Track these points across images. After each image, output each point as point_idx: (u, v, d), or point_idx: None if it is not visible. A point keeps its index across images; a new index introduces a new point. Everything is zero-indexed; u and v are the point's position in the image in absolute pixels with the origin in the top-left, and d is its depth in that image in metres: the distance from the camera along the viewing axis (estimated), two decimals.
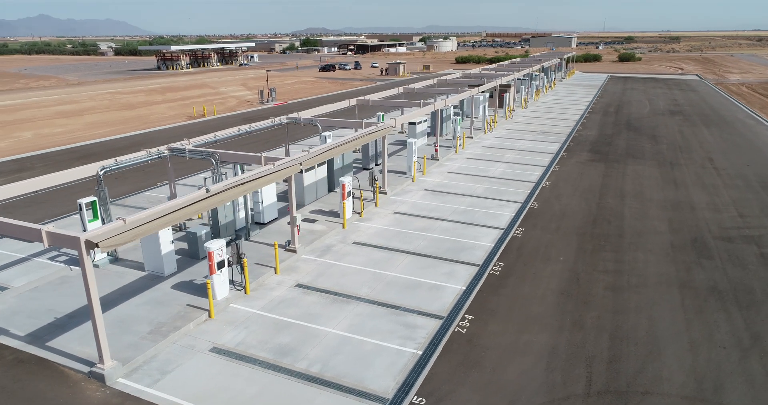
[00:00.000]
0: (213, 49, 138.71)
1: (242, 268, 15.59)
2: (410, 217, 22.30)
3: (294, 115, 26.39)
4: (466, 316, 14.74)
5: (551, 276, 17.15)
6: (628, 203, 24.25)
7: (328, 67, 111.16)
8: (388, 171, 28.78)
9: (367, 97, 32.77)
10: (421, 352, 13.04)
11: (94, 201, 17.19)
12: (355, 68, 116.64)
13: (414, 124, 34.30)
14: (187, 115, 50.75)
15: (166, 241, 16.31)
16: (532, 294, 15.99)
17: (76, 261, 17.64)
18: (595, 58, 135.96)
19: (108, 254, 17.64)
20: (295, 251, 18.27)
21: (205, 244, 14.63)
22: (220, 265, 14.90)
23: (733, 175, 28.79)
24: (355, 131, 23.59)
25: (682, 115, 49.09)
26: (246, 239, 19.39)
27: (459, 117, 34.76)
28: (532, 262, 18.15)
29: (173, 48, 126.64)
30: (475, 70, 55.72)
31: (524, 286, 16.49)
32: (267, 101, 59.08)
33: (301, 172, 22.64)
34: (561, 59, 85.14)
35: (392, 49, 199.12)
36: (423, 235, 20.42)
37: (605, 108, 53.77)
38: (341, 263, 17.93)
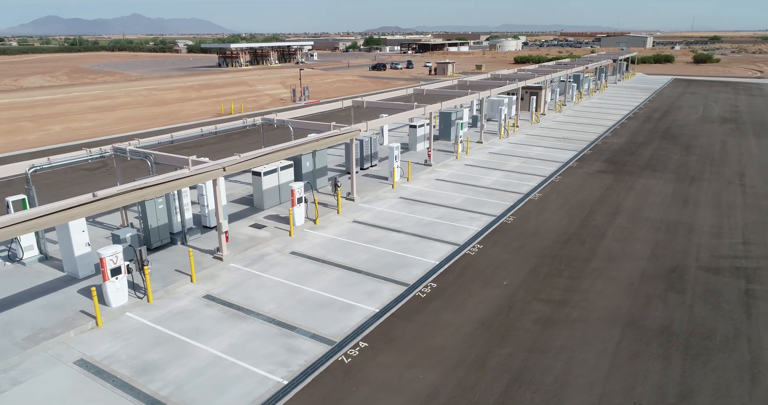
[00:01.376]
0: (272, 47, 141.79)
1: (145, 275, 15.05)
2: (367, 228, 21.06)
3: (272, 115, 25.77)
4: (361, 343, 13.42)
5: (482, 303, 15.43)
6: (617, 222, 21.79)
7: (378, 66, 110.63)
8: (371, 176, 27.65)
9: (364, 97, 31.67)
10: (286, 382, 11.90)
11: (24, 199, 17.27)
12: (407, 67, 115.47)
13: (414, 127, 32.92)
14: (215, 112, 51.70)
15: (81, 243, 16.07)
16: (448, 322, 14.40)
17: (11, 257, 17.82)
18: (667, 59, 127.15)
19: (40, 252, 17.71)
20: (221, 259, 17.58)
21: (98, 251, 14.20)
22: (115, 271, 14.42)
23: (760, 195, 25.34)
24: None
25: (735, 124, 44.38)
26: (182, 244, 18.93)
27: (462, 121, 32.89)
28: (469, 286, 16.46)
29: (233, 46, 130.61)
30: (508, 70, 53.11)
31: (445, 312, 14.91)
32: (299, 99, 59.23)
33: (258, 175, 22.09)
34: (617, 60, 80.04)
35: (453, 48, 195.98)
36: (369, 247, 19.15)
37: (650, 113, 49.67)
38: (265, 274, 17.04)
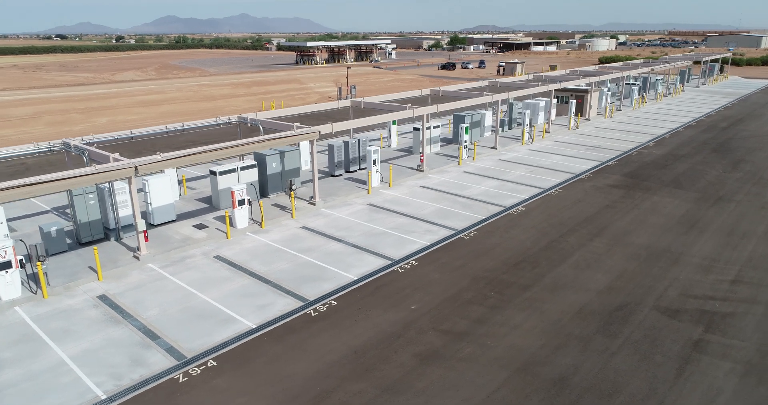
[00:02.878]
0: (349, 45, 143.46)
1: (41, 270, 15.11)
2: (311, 235, 20.06)
3: (252, 114, 25.44)
4: (211, 362, 12.51)
5: (372, 328, 13.93)
6: (591, 245, 19.15)
7: (447, 66, 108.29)
8: (354, 180, 26.55)
9: (366, 99, 30.56)
10: (104, 397, 11.28)
11: None
12: (479, 67, 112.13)
13: (418, 129, 31.32)
14: (257, 109, 52.75)
15: None
16: (319, 347, 13.09)
17: None
18: None
19: None
20: (138, 258, 17.37)
21: None
22: (5, 265, 14.57)
23: None
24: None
25: None
26: (116, 240, 19.01)
27: (467, 124, 30.78)
28: (372, 307, 15.00)
29: (309, 44, 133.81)
30: (557, 72, 49.48)
31: (323, 335, 13.61)
32: (345, 98, 59.09)
33: (215, 174, 21.79)
34: (704, 61, 72.40)
35: (539, 48, 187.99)
36: (297, 256, 18.15)
37: (717, 122, 44.14)
38: (172, 277, 16.60)
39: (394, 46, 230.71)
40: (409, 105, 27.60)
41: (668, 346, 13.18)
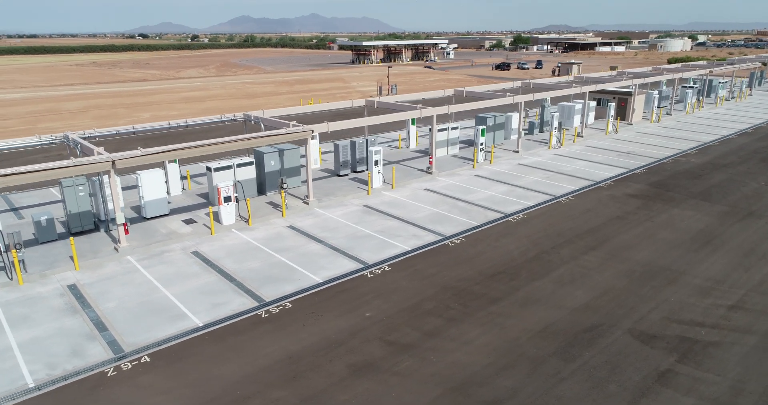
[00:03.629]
0: (405, 45, 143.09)
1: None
2: (294, 234, 19.86)
3: (258, 112, 25.61)
4: (146, 358, 12.51)
5: (317, 333, 13.52)
6: (582, 259, 17.83)
7: (502, 66, 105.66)
8: (358, 180, 26.18)
9: (380, 98, 30.09)
10: (32, 385, 11.52)
11: None
12: (536, 67, 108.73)
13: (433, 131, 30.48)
14: (295, 106, 53.42)
15: None
16: (256, 351, 12.81)
17: None
18: None
19: None
20: (117, 251, 17.79)
21: None
22: None
23: None
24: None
25: None
26: (105, 231, 19.58)
27: (483, 127, 29.62)
28: (325, 312, 14.57)
29: (365, 43, 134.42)
30: (599, 73, 46.94)
31: (265, 338, 13.32)
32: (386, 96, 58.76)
33: (210, 171, 22.06)
34: None
35: (606, 48, 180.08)
36: (272, 256, 17.99)
37: None
38: (144, 271, 16.83)
39: (455, 45, 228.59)
40: (420, 105, 26.91)
41: (629, 374, 11.96)
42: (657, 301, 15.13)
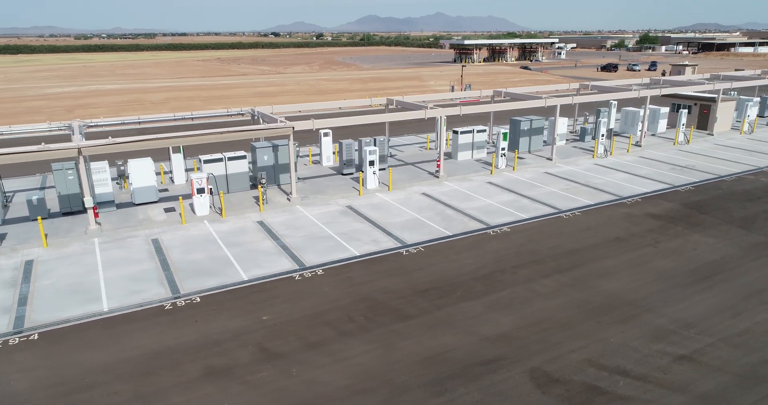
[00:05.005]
0: (510, 44, 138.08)
1: None
2: (258, 230, 19.82)
3: (267, 107, 25.97)
4: None
5: (197, 332, 13.30)
6: (540, 283, 15.81)
7: (609, 67, 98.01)
8: (356, 179, 25.59)
9: (399, 98, 29.16)
10: None
11: None
12: (649, 69, 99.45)
13: (457, 132, 28.99)
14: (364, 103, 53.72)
15: None
16: (114, 347, 12.91)
17: None
18: None
19: None
20: (86, 233, 18.93)
21: None
22: None
23: None
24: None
25: None
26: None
27: (505, 131, 27.38)
28: (224, 311, 14.32)
29: (467, 42, 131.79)
30: (685, 76, 41.58)
31: (136, 334, 13.38)
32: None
33: (200, 162, 22.76)
34: None
35: (747, 49, 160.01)
36: (222, 249, 18.08)
37: None
38: (99, 254, 17.70)
39: (574, 45, 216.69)
40: (431, 105, 25.64)
41: None
42: (591, 340, 12.98)
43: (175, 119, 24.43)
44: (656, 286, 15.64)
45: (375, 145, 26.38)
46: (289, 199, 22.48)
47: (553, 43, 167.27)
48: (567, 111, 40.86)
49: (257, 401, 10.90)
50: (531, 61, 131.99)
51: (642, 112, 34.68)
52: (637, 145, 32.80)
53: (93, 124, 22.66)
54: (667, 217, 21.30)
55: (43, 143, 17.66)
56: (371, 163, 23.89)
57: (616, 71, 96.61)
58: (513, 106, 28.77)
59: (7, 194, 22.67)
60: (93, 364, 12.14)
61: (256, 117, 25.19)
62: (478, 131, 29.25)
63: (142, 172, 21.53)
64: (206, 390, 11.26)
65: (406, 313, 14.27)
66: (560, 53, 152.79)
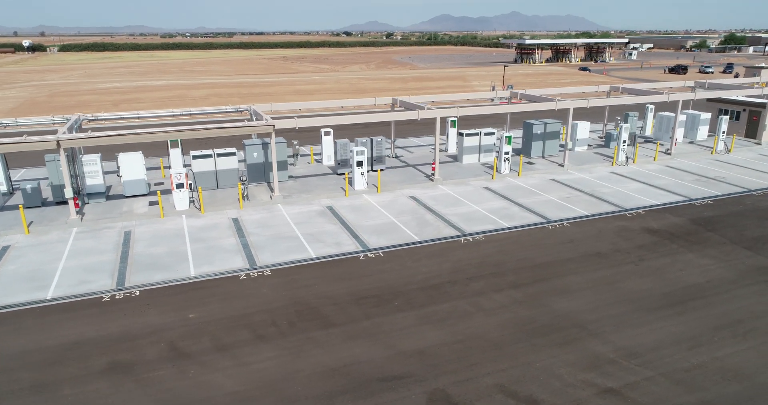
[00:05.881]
0: (575, 44, 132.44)
1: None
2: (229, 227, 19.87)
3: (267, 105, 26.11)
4: None
5: (122, 326, 13.42)
6: (488, 297, 14.81)
7: (677, 69, 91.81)
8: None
9: (402, 98, 28.45)
10: None
11: None
12: (724, 72, 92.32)
13: (462, 135, 27.96)
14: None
15: None
16: (26, 338, 13.22)
17: None
18: None
19: None
20: (66, 223, 19.70)
21: None
22: None
23: None
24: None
25: None
26: (85, 203, 21.82)
27: (510, 134, 25.98)
28: (157, 306, 14.38)
29: (528, 42, 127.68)
30: (731, 79, 37.95)
31: (73, 322, 13.64)
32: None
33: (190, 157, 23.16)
34: None
35: None
36: (185, 245, 18.27)
37: None
38: (71, 243, 18.36)
39: (650, 45, 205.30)
40: (428, 106, 24.81)
41: None
42: (514, 364, 11.95)
43: (173, 115, 25.08)
44: (616, 309, 14.24)
45: (372, 145, 25.92)
46: (271, 198, 22.46)
47: (626, 43, 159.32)
48: (597, 115, 38.59)
49: (139, 401, 10.82)
50: (596, 61, 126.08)
51: (680, 117, 32.11)
52: (667, 152, 30.33)
53: (93, 118, 23.68)
54: (666, 232, 19.45)
55: (25, 135, 18.58)
56: (359, 163, 23.45)
57: (685, 73, 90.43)
58: (523, 107, 27.39)
59: (15, 183, 24.10)
60: (12, 350, 12.53)
61: (251, 114, 25.40)
62: (486, 134, 28.05)
63: (132, 166, 22.22)
64: (99, 385, 11.32)
65: (333, 320, 13.78)
66: (631, 54, 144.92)
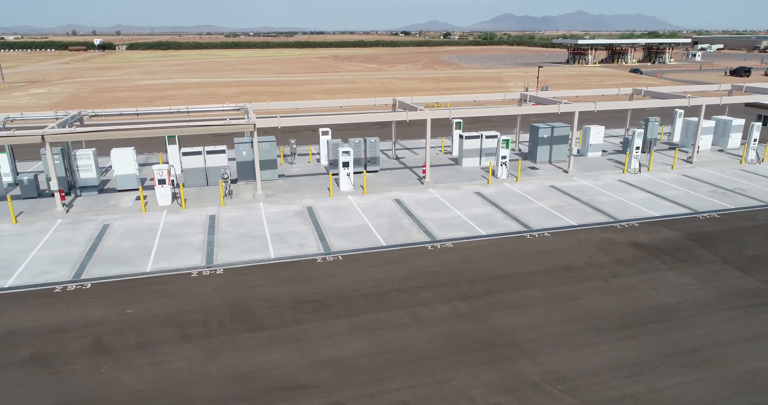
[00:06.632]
0: (633, 44, 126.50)
1: None
2: (203, 224, 20.05)
3: (264, 104, 26.23)
4: None
5: (56, 318, 13.71)
6: (432, 308, 14.17)
7: (740, 71, 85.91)
8: (338, 180, 24.99)
9: (402, 98, 27.87)
10: None
11: None
12: None
13: (462, 137, 27.13)
14: (425, 103, 52.53)
15: None
16: None
17: None
18: None
19: None
20: (52, 214, 20.46)
21: None
22: None
23: None
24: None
25: None
26: (76, 196, 22.64)
27: (507, 138, 24.87)
28: (100, 300, 14.63)
29: (580, 42, 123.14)
30: None
31: (2, 313, 14.07)
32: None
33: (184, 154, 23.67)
34: None
35: None
36: (154, 240, 18.57)
37: None
38: (48, 233, 19.07)
39: (720, 46, 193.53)
40: (421, 107, 24.19)
41: None
42: (429, 381, 11.32)
43: (170, 112, 25.64)
44: (563, 328, 13.28)
45: (365, 145, 25.56)
46: (254, 196, 22.54)
47: (694, 43, 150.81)
48: (620, 120, 36.58)
49: (44, 393, 10.99)
50: (653, 63, 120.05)
51: (701, 122, 29.95)
52: (688, 161, 28.30)
53: (94, 114, 24.56)
54: (653, 247, 18.06)
55: (13, 130, 19.45)
56: (345, 164, 23.16)
57: (748, 75, 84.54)
58: (526, 110, 26.28)
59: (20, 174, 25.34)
60: None
61: (246, 112, 25.59)
62: (487, 137, 27.08)
63: (123, 161, 22.87)
64: (13, 375, 11.58)
65: (263, 324, 13.57)
66: (695, 55, 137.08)
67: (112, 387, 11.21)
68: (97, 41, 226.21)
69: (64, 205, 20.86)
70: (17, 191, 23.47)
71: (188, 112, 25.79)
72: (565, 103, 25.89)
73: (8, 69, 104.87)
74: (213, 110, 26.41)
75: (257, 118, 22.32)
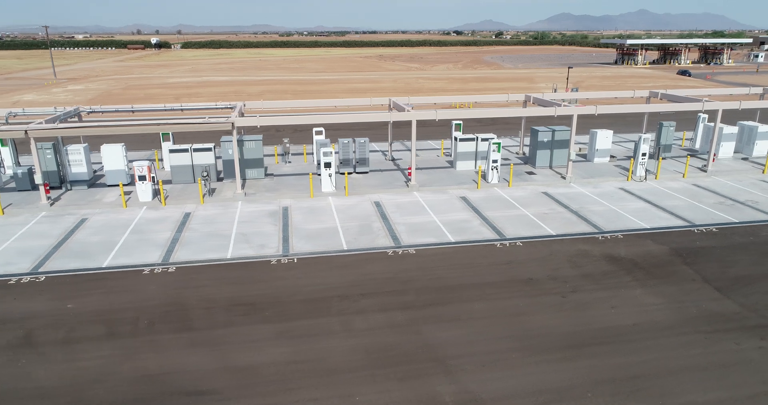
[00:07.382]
0: (686, 44, 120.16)
1: None
2: (177, 220, 20.20)
3: (257, 103, 26.29)
4: None
5: (7, 310, 14.02)
6: (368, 317, 13.66)
7: None
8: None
9: (396, 99, 27.24)
10: None
11: None
12: None
13: (456, 139, 26.33)
14: (448, 104, 51.59)
15: None
16: None
17: None
18: None
19: None
20: (37, 207, 21.13)
21: None
22: None
23: None
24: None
25: None
26: (66, 190, 23.33)
27: (499, 141, 23.79)
28: (45, 293, 14.88)
29: (629, 42, 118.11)
30: None
31: None
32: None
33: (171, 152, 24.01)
34: None
35: None
36: (124, 236, 18.84)
37: None
38: (28, 225, 19.68)
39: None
40: (411, 108, 23.58)
41: None
42: (333, 393, 10.84)
43: (164, 110, 26.07)
44: (496, 346, 12.48)
45: (354, 146, 25.17)
46: (234, 195, 22.58)
47: (761, 43, 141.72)
48: (636, 125, 34.57)
49: None
50: (709, 64, 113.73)
51: (721, 128, 27.92)
52: (703, 169, 26.39)
53: (91, 110, 25.27)
54: (629, 261, 16.83)
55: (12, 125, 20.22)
56: (327, 165, 22.86)
57: None
58: (528, 112, 25.21)
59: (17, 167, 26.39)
60: None
61: (240, 110, 25.71)
62: (483, 139, 26.13)
63: (112, 157, 23.42)
64: None
65: (192, 325, 13.44)
66: (757, 56, 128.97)
67: (22, 381, 11.32)
68: (153, 40, 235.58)
69: (49, 198, 21.52)
70: (15, 184, 24.47)
71: (182, 109, 26.18)
72: (565, 105, 24.68)
73: (66, 66, 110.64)
74: (205, 109, 26.70)
75: (240, 117, 22.35)
